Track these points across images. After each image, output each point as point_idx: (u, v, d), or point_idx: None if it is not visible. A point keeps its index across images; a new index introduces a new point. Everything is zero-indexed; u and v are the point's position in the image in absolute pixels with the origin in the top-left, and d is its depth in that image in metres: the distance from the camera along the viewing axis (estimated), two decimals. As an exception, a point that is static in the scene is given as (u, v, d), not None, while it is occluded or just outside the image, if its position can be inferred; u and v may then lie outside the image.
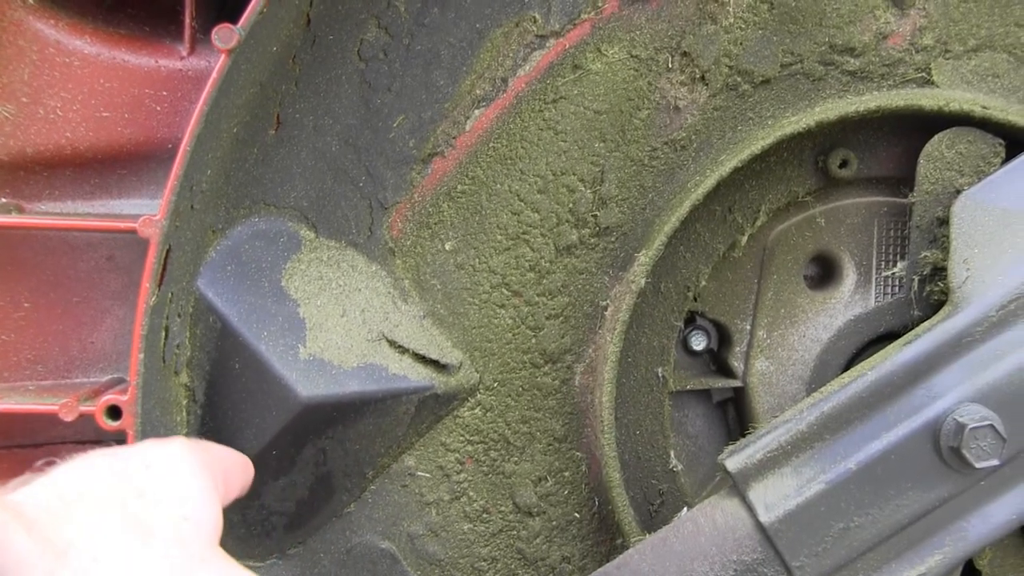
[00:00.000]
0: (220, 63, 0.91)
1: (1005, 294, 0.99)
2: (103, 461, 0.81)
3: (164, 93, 1.07)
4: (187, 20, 1.06)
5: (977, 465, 0.95)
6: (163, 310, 0.99)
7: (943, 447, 0.97)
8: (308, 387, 1.07)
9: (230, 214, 1.10)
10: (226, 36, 0.91)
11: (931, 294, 1.12)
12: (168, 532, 0.78)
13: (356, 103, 1.13)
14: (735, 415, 1.28)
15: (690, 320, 1.26)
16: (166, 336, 1.01)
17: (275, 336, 1.08)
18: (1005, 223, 1.03)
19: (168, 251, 0.96)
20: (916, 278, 1.14)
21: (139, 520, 0.78)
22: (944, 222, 1.10)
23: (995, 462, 0.95)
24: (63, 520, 0.74)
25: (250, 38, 0.93)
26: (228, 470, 0.94)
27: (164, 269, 0.96)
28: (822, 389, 1.02)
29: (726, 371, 1.25)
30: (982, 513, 0.99)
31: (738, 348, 1.24)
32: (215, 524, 0.83)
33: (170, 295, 1.00)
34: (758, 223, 1.21)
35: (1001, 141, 1.14)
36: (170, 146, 1.07)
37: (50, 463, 0.80)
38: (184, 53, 1.08)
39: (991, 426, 0.95)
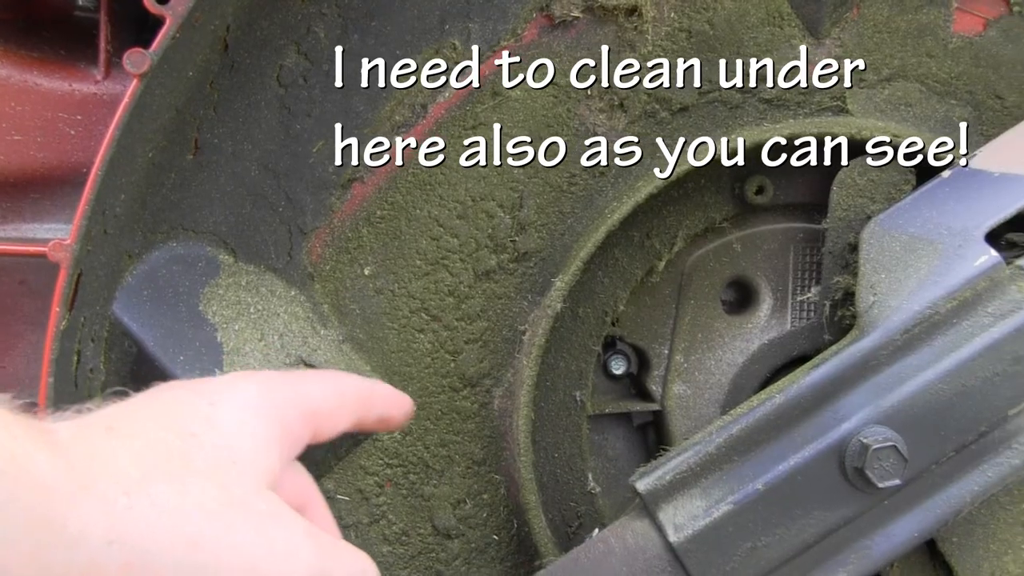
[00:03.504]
0: (132, 87, 0.91)
1: (909, 319, 1.02)
2: (171, 395, 0.79)
3: (78, 117, 1.07)
4: (102, 44, 1.06)
5: (880, 485, 0.97)
6: (75, 335, 0.98)
7: (848, 468, 0.99)
8: (224, 411, 1.07)
9: (147, 239, 1.09)
10: (138, 60, 0.91)
11: (842, 318, 1.14)
12: (209, 473, 0.75)
13: (276, 128, 1.14)
14: (655, 438, 1.29)
15: (611, 345, 1.28)
16: (78, 361, 1.00)
17: (192, 360, 1.08)
18: (911, 249, 1.06)
19: (80, 275, 0.95)
20: (828, 303, 1.16)
21: (183, 459, 0.74)
22: (855, 248, 1.12)
23: (897, 482, 0.97)
24: (99, 451, 0.71)
25: (163, 63, 0.93)
26: (318, 410, 0.88)
27: (75, 293, 0.95)
28: (731, 412, 1.04)
29: (645, 395, 1.27)
30: (885, 531, 1.01)
31: (656, 372, 1.26)
32: (267, 470, 0.79)
33: (82, 319, 0.99)
34: (676, 249, 1.23)
35: (912, 169, 1.17)
36: (84, 170, 1.06)
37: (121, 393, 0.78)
38: (99, 77, 1.08)
39: (894, 447, 0.97)
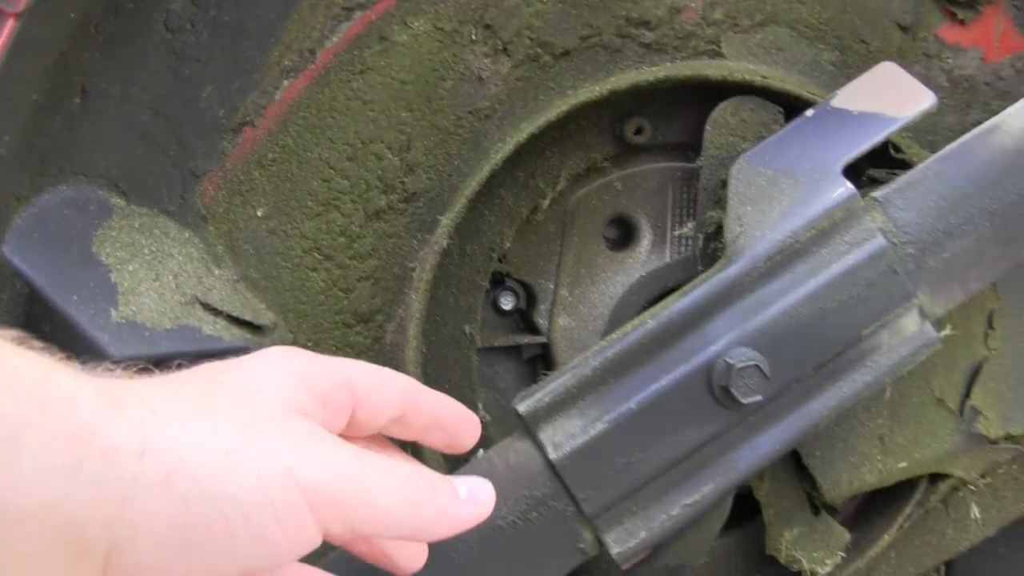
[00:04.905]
0: (8, 27, 0.93)
1: (771, 247, 1.08)
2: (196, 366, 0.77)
3: (-44, 59, 1.08)
4: (-23, -15, 1.06)
5: (744, 401, 1.03)
6: (-36, 275, 1.00)
7: (715, 386, 1.05)
8: (120, 348, 1.09)
9: (35, 182, 1.11)
10: None
11: (715, 250, 1.20)
12: (236, 402, 0.72)
13: (164, 73, 1.16)
14: (543, 370, 1.35)
15: (500, 282, 1.33)
16: (-32, 300, 1.02)
17: (86, 301, 1.10)
18: (776, 183, 1.12)
19: (-34, 216, 0.97)
20: (702, 236, 1.22)
21: (207, 394, 0.72)
22: (727, 184, 1.18)
23: (759, 398, 1.04)
24: (120, 384, 0.69)
25: (41, 2, 0.94)
26: (354, 379, 0.83)
27: (-38, 234, 0.97)
28: (608, 337, 1.09)
29: (533, 328, 1.33)
30: (750, 445, 1.08)
31: (543, 306, 1.31)
32: (296, 403, 0.76)
33: (-29, 260, 1.01)
34: (559, 188, 1.28)
35: (780, 109, 1.23)
36: (-34, 113, 1.07)
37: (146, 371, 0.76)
38: (-24, 19, 1.08)
39: (756, 366, 1.04)
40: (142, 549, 0.66)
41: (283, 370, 0.78)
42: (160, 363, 0.80)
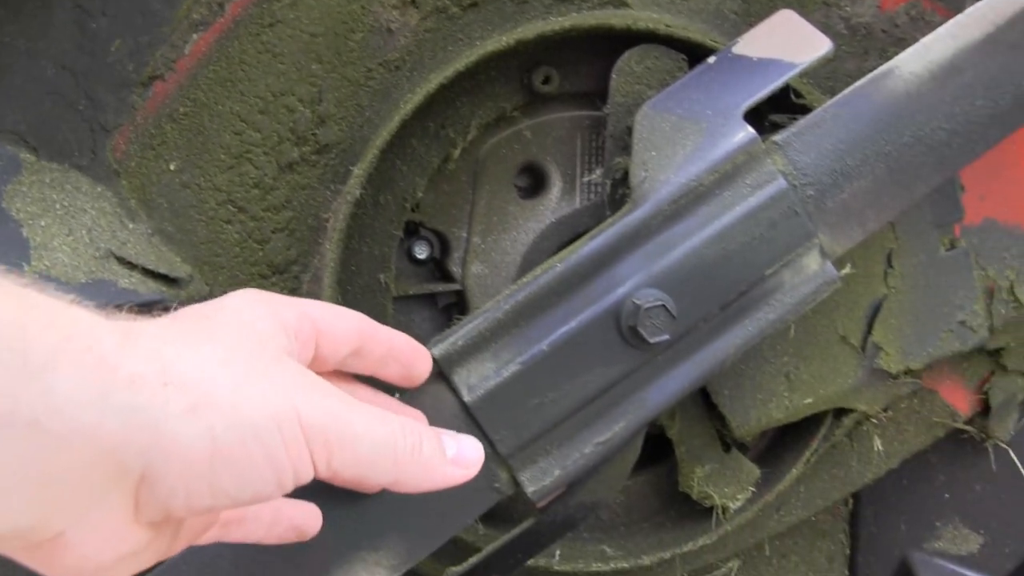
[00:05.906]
0: (-92, -18, 0.92)
1: (675, 191, 1.11)
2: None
3: None
4: None
5: (651, 340, 1.07)
6: None
7: (623, 327, 1.08)
8: (33, 304, 1.09)
9: (-60, 137, 1.10)
10: (-87, -46, 0.91)
11: (622, 196, 1.23)
12: (234, 341, 0.74)
13: (70, 27, 1.15)
14: (459, 317, 1.37)
15: (415, 232, 1.35)
16: None
17: (-3, 256, 1.10)
18: (679, 128, 1.15)
19: None
20: (610, 182, 1.25)
21: (206, 331, 0.74)
22: (632, 131, 1.21)
23: (666, 337, 1.07)
24: (128, 323, 0.69)
25: (-60, -43, 0.94)
26: (314, 314, 0.85)
27: None
28: (519, 281, 1.12)
29: (448, 277, 1.35)
30: (659, 384, 1.11)
31: (456, 254, 1.34)
32: (285, 346, 0.79)
33: None
34: (470, 137, 1.30)
35: (684, 57, 1.26)
36: None
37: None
38: None
39: (663, 306, 1.07)
40: (174, 476, 0.67)
41: (260, 308, 0.80)
42: (143, 308, 0.81)
